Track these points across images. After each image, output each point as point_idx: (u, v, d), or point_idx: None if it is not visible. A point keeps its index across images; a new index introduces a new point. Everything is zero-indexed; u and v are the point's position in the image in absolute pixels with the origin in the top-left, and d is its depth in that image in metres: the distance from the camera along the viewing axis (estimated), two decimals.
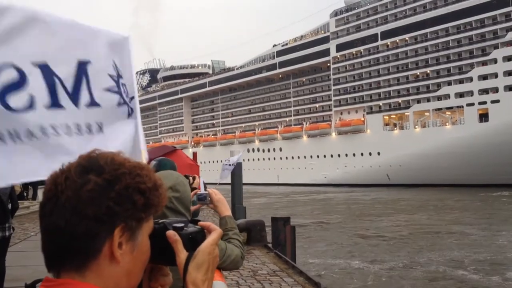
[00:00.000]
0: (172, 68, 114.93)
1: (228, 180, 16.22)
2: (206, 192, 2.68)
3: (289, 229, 11.16)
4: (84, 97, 1.86)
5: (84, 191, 0.93)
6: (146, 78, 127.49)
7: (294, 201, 44.72)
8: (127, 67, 2.07)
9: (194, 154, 16.89)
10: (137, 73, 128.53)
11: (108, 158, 0.99)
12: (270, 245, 11.05)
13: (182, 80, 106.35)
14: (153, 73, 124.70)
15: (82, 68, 1.85)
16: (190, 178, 3.53)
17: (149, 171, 1.02)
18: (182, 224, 1.11)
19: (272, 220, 11.50)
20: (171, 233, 1.08)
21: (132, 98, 2.10)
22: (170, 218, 1.13)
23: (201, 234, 1.11)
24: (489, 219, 27.62)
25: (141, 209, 0.98)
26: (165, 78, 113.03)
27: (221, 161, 16.76)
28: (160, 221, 1.10)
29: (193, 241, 1.10)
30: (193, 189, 3.27)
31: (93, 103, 1.90)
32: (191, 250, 1.08)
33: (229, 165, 15.76)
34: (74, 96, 1.83)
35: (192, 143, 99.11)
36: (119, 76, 2.00)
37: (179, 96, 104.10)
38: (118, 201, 0.95)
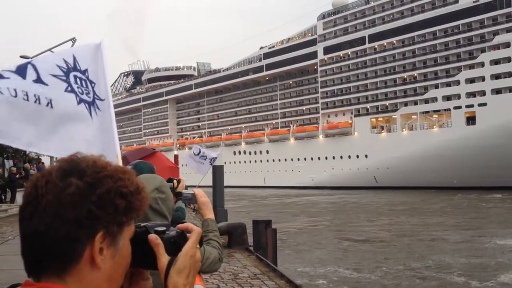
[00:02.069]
0: (157, 70, 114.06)
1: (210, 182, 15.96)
2: (192, 192, 2.64)
3: (270, 232, 11.03)
4: (31, 75, 2.11)
5: (65, 195, 0.92)
6: (130, 79, 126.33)
7: (280, 204, 44.51)
8: (99, 71, 2.28)
9: (176, 157, 16.61)
10: (120, 74, 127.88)
11: (90, 162, 0.98)
12: (251, 248, 10.94)
13: (167, 82, 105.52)
14: (137, 74, 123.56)
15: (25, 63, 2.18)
16: (175, 181, 3.32)
17: (131, 175, 1.01)
18: (164, 228, 1.10)
19: (253, 223, 11.34)
20: (153, 236, 1.07)
21: (101, 99, 2.26)
22: (151, 221, 1.18)
23: (183, 238, 1.11)
24: (477, 222, 27.58)
25: (122, 213, 0.97)
26: (150, 80, 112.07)
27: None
28: (142, 224, 1.10)
29: (175, 245, 1.09)
30: (178, 193, 3.17)
31: (39, 81, 2.13)
32: (173, 254, 1.08)
33: (201, 157, 15.25)
34: (20, 73, 2.10)
35: (177, 145, 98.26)
36: (70, 68, 2.23)
37: (164, 98, 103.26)
38: (100, 205, 0.94)
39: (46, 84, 2.15)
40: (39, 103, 2.11)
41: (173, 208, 2.82)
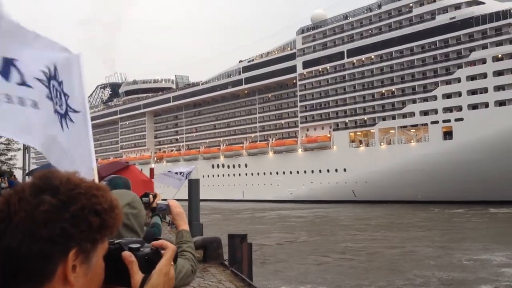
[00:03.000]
0: (134, 82, 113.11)
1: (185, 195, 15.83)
2: (167, 203, 2.63)
3: (246, 246, 10.82)
4: (15, 77, 2.12)
5: (38, 212, 0.92)
6: (107, 92, 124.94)
7: (258, 218, 44.25)
8: (75, 83, 2.25)
9: (151, 170, 16.37)
10: (97, 87, 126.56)
11: (64, 179, 0.97)
12: (226, 262, 10.72)
13: (145, 95, 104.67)
14: (114, 87, 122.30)
15: (9, 62, 2.15)
16: (151, 196, 3.21)
17: (106, 192, 1.02)
18: (138, 245, 1.12)
19: (228, 237, 11.10)
20: (127, 254, 1.08)
21: (76, 111, 2.23)
22: (126, 238, 1.19)
23: (157, 255, 1.13)
24: (454, 236, 27.69)
25: (96, 231, 0.97)
26: (127, 93, 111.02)
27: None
28: (116, 241, 1.10)
29: (149, 262, 1.11)
30: (154, 208, 3.08)
31: (24, 84, 2.15)
32: (147, 271, 1.09)
33: (178, 173, 15.29)
34: (4, 75, 2.10)
35: (155, 158, 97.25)
36: (51, 77, 2.22)
37: (142, 110, 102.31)
38: (73, 222, 0.94)
39: (31, 87, 2.16)
40: (23, 105, 2.12)
41: (147, 224, 2.81)
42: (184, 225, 2.45)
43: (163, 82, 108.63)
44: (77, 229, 0.93)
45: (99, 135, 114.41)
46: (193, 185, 16.65)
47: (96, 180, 2.11)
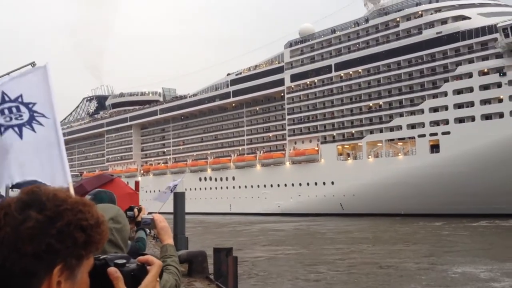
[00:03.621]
0: (121, 95, 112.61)
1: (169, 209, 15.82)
2: (152, 217, 2.66)
3: (231, 260, 10.79)
4: None
5: (24, 228, 0.91)
6: (93, 104, 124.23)
7: (244, 231, 44.07)
8: (42, 91, 2.29)
9: (137, 183, 16.24)
10: (83, 99, 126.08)
11: (50, 194, 0.97)
12: (211, 276, 10.64)
13: (131, 108, 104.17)
14: (100, 99, 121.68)
15: None
16: (136, 209, 3.25)
17: (92, 207, 1.01)
18: (124, 261, 1.12)
19: (214, 251, 11.10)
20: (112, 270, 1.08)
21: (45, 117, 2.27)
22: (110, 253, 1.19)
23: (143, 271, 1.14)
24: (440, 249, 27.72)
25: (81, 247, 0.96)
26: (114, 105, 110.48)
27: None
28: (102, 257, 1.11)
29: (134, 279, 1.11)
30: (139, 222, 3.11)
31: None
32: (133, 287, 1.10)
33: (168, 189, 15.44)
34: None
35: (142, 171, 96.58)
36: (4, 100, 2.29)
37: (129, 123, 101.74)
38: (59, 238, 0.92)
39: None
40: None
41: (132, 238, 2.83)
42: (169, 239, 2.48)
43: (150, 94, 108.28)
44: (63, 245, 0.92)
45: (84, 148, 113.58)
46: (179, 198, 16.60)
47: (71, 184, 2.17)
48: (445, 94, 54.75)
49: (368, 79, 62.76)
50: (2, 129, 2.30)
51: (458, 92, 53.68)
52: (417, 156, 55.83)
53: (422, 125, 56.40)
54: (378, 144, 61.13)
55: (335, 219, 54.48)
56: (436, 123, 55.26)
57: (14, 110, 2.36)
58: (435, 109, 55.58)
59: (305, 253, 27.20)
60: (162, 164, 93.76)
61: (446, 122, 54.19)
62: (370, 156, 61.22)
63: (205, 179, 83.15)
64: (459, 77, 53.91)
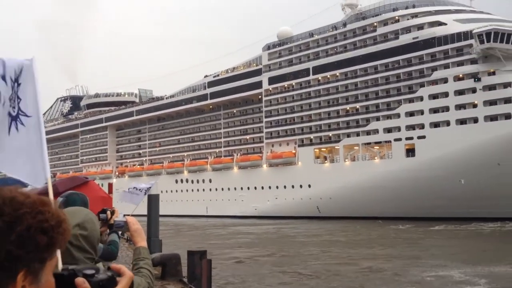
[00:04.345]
0: (96, 95, 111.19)
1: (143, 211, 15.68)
2: (125, 220, 2.67)
3: (205, 263, 10.70)
4: None
5: None
6: (68, 105, 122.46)
7: (219, 234, 43.86)
8: (29, 87, 2.21)
9: (110, 185, 15.98)
10: (57, 99, 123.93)
11: (7, 198, 0.92)
12: (185, 279, 10.56)
13: (107, 108, 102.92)
14: (75, 100, 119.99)
15: None
16: (108, 212, 3.14)
17: (50, 206, 0.96)
18: (93, 271, 1.11)
19: (188, 254, 10.96)
20: (80, 280, 1.07)
21: (27, 116, 2.19)
22: (80, 260, 1.20)
23: (112, 282, 1.13)
24: (416, 252, 27.94)
25: (44, 250, 0.92)
26: (89, 106, 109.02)
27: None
28: (70, 267, 1.10)
29: None
30: (111, 225, 3.06)
31: None
32: None
33: (136, 188, 15.34)
34: None
35: (117, 173, 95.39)
36: (15, 79, 2.19)
37: (104, 124, 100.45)
38: (20, 244, 0.88)
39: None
40: None
41: (105, 241, 2.81)
42: (142, 242, 2.47)
43: (126, 95, 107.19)
44: (24, 251, 0.88)
45: (58, 149, 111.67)
46: (153, 201, 16.43)
47: (50, 187, 2.09)
48: (421, 98, 55.41)
49: (346, 83, 63.16)
50: (7, 111, 2.16)
51: (434, 97, 54.41)
52: (393, 159, 56.35)
53: (398, 129, 56.98)
54: (355, 147, 61.54)
55: (311, 222, 54.65)
56: (412, 127, 55.89)
57: (14, 97, 2.22)
58: (411, 114, 56.21)
59: (281, 256, 27.12)
60: (138, 166, 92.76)
61: (422, 126, 54.84)
62: (347, 160, 61.58)
63: (182, 181, 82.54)
64: (435, 82, 54.65)
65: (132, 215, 3.13)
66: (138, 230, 2.53)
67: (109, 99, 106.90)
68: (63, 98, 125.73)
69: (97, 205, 3.48)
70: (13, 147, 2.14)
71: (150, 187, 15.76)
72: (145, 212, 15.94)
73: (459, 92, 52.45)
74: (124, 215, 3.05)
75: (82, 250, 2.27)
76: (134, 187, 16.28)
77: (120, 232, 3.23)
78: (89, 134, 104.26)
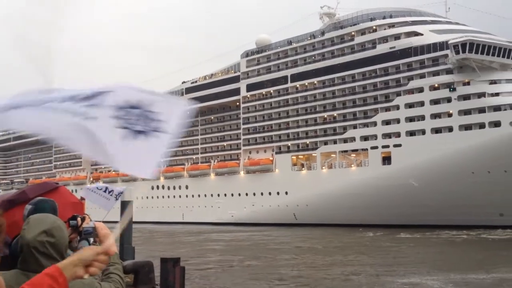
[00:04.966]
0: None
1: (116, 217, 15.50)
2: (93, 225, 2.68)
3: (178, 270, 10.58)
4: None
5: None
6: None
7: (194, 241, 43.54)
8: (173, 118, 2.37)
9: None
10: None
11: None
12: (158, 287, 10.54)
13: None
14: None
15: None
16: (79, 219, 3.18)
17: None
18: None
19: (161, 261, 10.84)
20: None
21: (166, 132, 2.35)
22: (45, 265, 1.24)
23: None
24: (388, 260, 28.03)
25: None
26: None
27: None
28: None
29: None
30: (81, 232, 3.08)
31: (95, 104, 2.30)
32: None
33: (107, 191, 15.09)
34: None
35: (91, 178, 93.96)
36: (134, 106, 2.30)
37: None
38: None
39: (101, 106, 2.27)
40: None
41: (75, 249, 2.79)
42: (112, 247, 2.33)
43: None
44: None
45: (31, 154, 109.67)
46: (126, 207, 16.22)
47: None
48: (397, 107, 56.10)
49: (323, 91, 63.60)
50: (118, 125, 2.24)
51: (410, 106, 55.14)
52: (369, 167, 56.81)
53: (374, 137, 57.52)
54: (332, 155, 61.88)
55: (287, 229, 54.63)
56: (388, 135, 56.49)
57: (140, 118, 2.32)
58: (387, 122, 56.84)
59: (256, 264, 26.95)
60: (113, 172, 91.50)
61: (398, 134, 55.48)
62: (324, 167, 61.86)
63: (157, 187, 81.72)
64: (411, 91, 55.41)
65: (104, 222, 3.07)
66: (107, 235, 2.50)
67: None
68: None
69: (67, 212, 3.44)
70: (130, 146, 2.24)
71: (121, 192, 15.48)
72: (118, 219, 15.70)
73: (435, 102, 53.29)
74: (92, 221, 3.05)
75: (49, 257, 2.21)
76: (98, 188, 15.91)
77: (92, 240, 3.16)
78: None
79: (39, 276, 1.18)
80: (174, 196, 79.06)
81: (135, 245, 16.47)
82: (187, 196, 76.96)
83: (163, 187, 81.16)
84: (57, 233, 2.29)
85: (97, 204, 14.82)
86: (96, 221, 3.11)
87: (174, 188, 79.48)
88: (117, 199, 15.00)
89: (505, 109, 48.50)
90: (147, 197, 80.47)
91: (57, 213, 2.97)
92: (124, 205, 16.24)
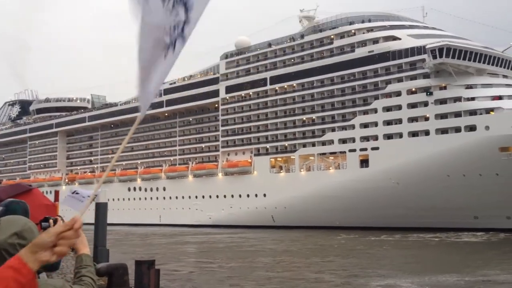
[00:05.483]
0: (47, 100, 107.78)
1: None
2: None
3: (153, 272, 10.41)
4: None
5: None
6: (16, 109, 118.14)
7: (170, 243, 43.17)
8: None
9: (57, 193, 15.55)
10: (5, 103, 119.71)
11: None
12: None
13: (58, 114, 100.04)
14: (24, 104, 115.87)
15: None
16: (51, 220, 3.10)
17: None
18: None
19: (135, 263, 10.62)
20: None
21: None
22: None
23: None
24: (364, 262, 28.20)
25: None
26: (39, 111, 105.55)
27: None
28: None
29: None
30: None
31: None
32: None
33: (80, 195, 15.02)
34: None
35: (66, 180, 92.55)
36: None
37: (54, 130, 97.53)
38: None
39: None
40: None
41: None
42: (84, 249, 2.42)
43: (78, 101, 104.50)
44: None
45: (5, 155, 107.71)
46: (101, 209, 16.02)
47: None
48: (375, 110, 56.54)
49: (302, 94, 63.77)
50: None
51: (388, 109, 55.64)
52: (347, 170, 57.12)
53: (352, 140, 57.87)
54: (310, 157, 62.05)
55: (265, 232, 54.61)
56: (366, 138, 56.89)
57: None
58: (365, 125, 57.23)
59: (233, 266, 26.81)
60: (89, 173, 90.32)
61: (376, 138, 55.90)
62: (302, 169, 61.99)
63: (135, 189, 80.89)
64: (389, 95, 55.92)
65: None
66: (80, 237, 2.39)
67: (60, 104, 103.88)
68: (11, 102, 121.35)
69: (40, 214, 3.35)
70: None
71: (96, 195, 15.26)
72: (92, 221, 15.54)
73: (412, 105, 53.85)
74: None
75: None
76: (77, 192, 15.80)
77: None
78: (38, 140, 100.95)
79: (1, 269, 1.17)
80: (151, 198, 78.34)
81: (109, 247, 16.27)
82: (164, 198, 76.33)
83: (140, 188, 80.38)
84: (28, 235, 2.24)
85: (72, 207, 14.64)
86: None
87: (151, 189, 78.76)
88: (90, 202, 14.78)
89: (480, 114, 49.26)
90: (123, 199, 79.62)
91: (28, 215, 2.95)
92: (99, 207, 16.06)
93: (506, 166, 46.13)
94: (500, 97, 49.40)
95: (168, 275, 21.05)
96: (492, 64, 52.25)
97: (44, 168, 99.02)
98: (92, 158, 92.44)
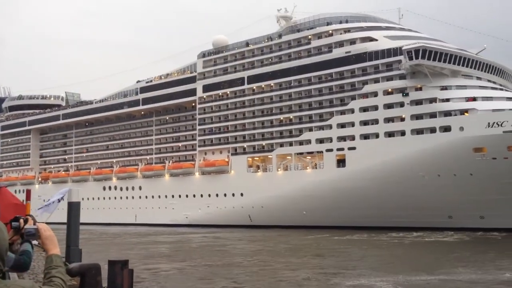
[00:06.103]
0: (20, 97, 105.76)
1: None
2: (35, 227, 2.62)
3: (126, 273, 10.33)
4: None
5: None
6: None
7: (144, 242, 42.76)
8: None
9: (28, 192, 15.31)
10: None
11: None
12: None
13: (31, 111, 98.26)
14: None
15: None
16: (21, 220, 3.01)
17: None
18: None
19: (108, 263, 10.52)
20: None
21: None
22: None
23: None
24: (340, 262, 28.33)
25: None
26: (12, 108, 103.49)
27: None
28: None
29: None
30: (23, 234, 3.00)
31: None
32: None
33: (48, 200, 14.98)
34: None
35: (40, 178, 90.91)
36: None
37: (27, 128, 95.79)
38: None
39: None
40: None
41: (16, 251, 2.77)
42: (55, 249, 2.41)
43: (52, 98, 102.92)
44: None
45: None
46: (73, 208, 15.77)
47: None
48: (352, 111, 56.88)
49: (280, 93, 63.82)
50: None
51: (364, 109, 56.04)
52: (324, 170, 57.37)
53: (330, 140, 58.13)
54: (287, 157, 62.14)
55: (242, 231, 54.53)
56: (343, 138, 57.19)
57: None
58: (342, 125, 57.54)
59: (208, 266, 26.64)
60: (63, 172, 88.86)
61: (352, 138, 56.26)
62: (279, 169, 62.04)
63: (110, 188, 79.85)
64: (366, 95, 56.32)
65: (48, 223, 2.88)
66: (50, 237, 2.45)
67: (34, 102, 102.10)
68: None
69: (9, 213, 3.26)
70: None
71: (63, 197, 15.12)
72: (64, 220, 15.25)
73: (388, 106, 54.33)
74: (35, 222, 2.93)
75: None
76: (49, 200, 15.79)
77: (37, 242, 3.01)
78: (10, 138, 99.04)
79: None
80: (127, 197, 77.47)
81: (82, 247, 16.04)
82: (140, 197, 75.57)
83: (115, 187, 79.38)
84: None
85: (43, 211, 14.45)
86: (39, 222, 2.96)
87: (127, 189, 77.85)
88: (59, 201, 14.78)
89: (455, 114, 49.97)
90: (98, 198, 78.58)
91: None
92: (71, 206, 15.83)
93: (480, 166, 46.88)
94: (474, 99, 50.18)
95: (142, 275, 20.80)
96: (467, 66, 53.03)
97: (17, 167, 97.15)
98: (66, 156, 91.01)
